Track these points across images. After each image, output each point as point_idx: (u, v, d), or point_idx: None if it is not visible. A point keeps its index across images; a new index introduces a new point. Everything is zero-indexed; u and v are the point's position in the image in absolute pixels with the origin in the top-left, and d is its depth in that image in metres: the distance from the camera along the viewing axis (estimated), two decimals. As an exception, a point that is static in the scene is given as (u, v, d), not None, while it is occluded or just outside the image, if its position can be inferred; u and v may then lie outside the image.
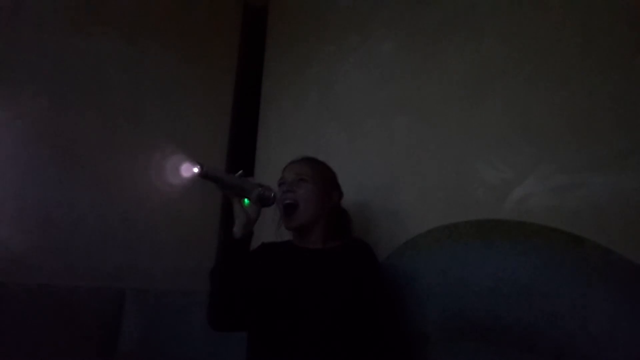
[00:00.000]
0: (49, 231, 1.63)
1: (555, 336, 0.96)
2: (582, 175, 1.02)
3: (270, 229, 1.30)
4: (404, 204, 1.39)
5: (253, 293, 1.08)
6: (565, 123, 1.07)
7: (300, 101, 1.94)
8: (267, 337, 1.10)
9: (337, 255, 1.18)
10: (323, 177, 1.24)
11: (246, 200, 1.12)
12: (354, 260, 1.16)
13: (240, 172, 1.13)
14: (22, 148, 1.63)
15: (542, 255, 1.03)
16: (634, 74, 0.99)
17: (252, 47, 2.33)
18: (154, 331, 1.66)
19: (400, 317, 1.25)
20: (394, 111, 1.50)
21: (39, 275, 1.57)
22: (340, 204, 1.30)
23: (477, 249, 1.15)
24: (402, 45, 1.53)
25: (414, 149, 1.41)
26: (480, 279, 1.12)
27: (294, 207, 1.18)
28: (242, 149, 2.18)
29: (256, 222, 1.12)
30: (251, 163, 2.12)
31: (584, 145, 1.03)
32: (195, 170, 1.03)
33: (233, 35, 2.29)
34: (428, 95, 1.40)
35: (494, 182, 1.18)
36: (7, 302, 1.45)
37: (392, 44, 1.57)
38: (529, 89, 1.16)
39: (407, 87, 1.48)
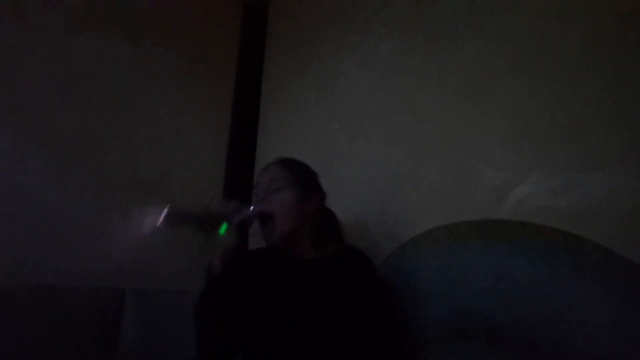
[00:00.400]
0: (49, 231, 1.63)
1: (555, 336, 0.96)
2: (581, 175, 1.02)
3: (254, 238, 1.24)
4: (404, 204, 1.39)
5: (242, 317, 1.01)
6: (565, 123, 1.07)
7: (300, 101, 1.94)
8: (263, 352, 1.05)
9: (332, 265, 1.13)
10: (300, 180, 1.15)
11: (222, 229, 1.01)
12: (350, 270, 1.13)
13: (210, 197, 1.05)
14: (22, 148, 1.63)
15: (542, 255, 1.03)
16: (634, 74, 0.99)
17: (252, 47, 2.33)
18: (154, 331, 1.66)
19: (400, 318, 1.25)
20: (394, 111, 1.50)
21: (39, 275, 1.57)
22: (324, 205, 1.23)
23: (477, 249, 1.15)
24: (402, 45, 1.53)
25: (414, 149, 1.41)
26: (480, 279, 1.12)
27: (269, 217, 1.09)
28: (242, 148, 2.18)
29: (236, 249, 1.03)
30: (251, 163, 2.12)
31: (583, 146, 1.03)
32: (158, 223, 0.95)
33: (233, 35, 2.29)
34: (428, 95, 1.40)
35: (494, 182, 1.18)
36: (7, 302, 1.45)
37: (392, 44, 1.57)
38: (529, 89, 1.16)
39: (407, 87, 1.47)
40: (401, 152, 1.44)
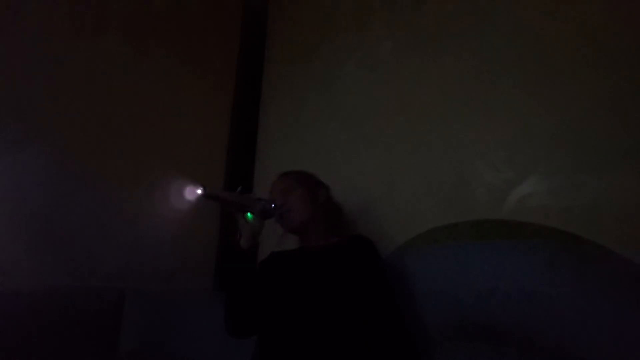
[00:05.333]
0: (49, 231, 1.63)
1: (555, 336, 0.96)
2: (581, 175, 1.02)
3: (273, 240, 1.34)
4: (404, 204, 1.39)
5: (264, 298, 1.15)
6: (565, 123, 1.07)
7: (300, 101, 1.94)
8: (274, 335, 1.12)
9: (339, 250, 1.23)
10: (303, 181, 1.33)
11: (249, 215, 1.18)
12: (356, 254, 1.20)
13: (239, 188, 1.21)
14: (22, 148, 1.63)
15: (542, 255, 1.03)
16: (634, 74, 0.99)
17: (252, 47, 2.33)
18: (154, 331, 1.66)
19: (401, 315, 1.25)
20: (394, 111, 1.50)
21: (39, 275, 1.57)
22: (331, 198, 1.37)
23: (477, 249, 1.15)
24: (402, 45, 1.53)
25: (414, 149, 1.41)
26: (480, 279, 1.12)
27: (287, 211, 1.25)
28: (242, 149, 2.18)
29: (260, 233, 1.19)
30: (251, 163, 2.12)
31: (583, 146, 1.03)
32: (199, 191, 1.11)
33: (233, 36, 2.29)
34: (428, 95, 1.40)
35: (494, 182, 1.18)
36: (8, 303, 1.45)
37: (392, 44, 1.57)
38: (529, 89, 1.16)
39: (407, 87, 1.48)
40: (401, 152, 1.44)
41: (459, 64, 1.33)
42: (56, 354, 1.48)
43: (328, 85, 1.80)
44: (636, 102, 0.97)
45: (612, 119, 1.00)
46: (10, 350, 1.42)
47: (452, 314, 1.16)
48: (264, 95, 2.20)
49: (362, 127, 1.61)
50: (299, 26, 2.07)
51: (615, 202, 0.96)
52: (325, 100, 1.81)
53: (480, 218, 1.17)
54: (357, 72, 1.69)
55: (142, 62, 1.95)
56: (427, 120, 1.39)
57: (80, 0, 1.83)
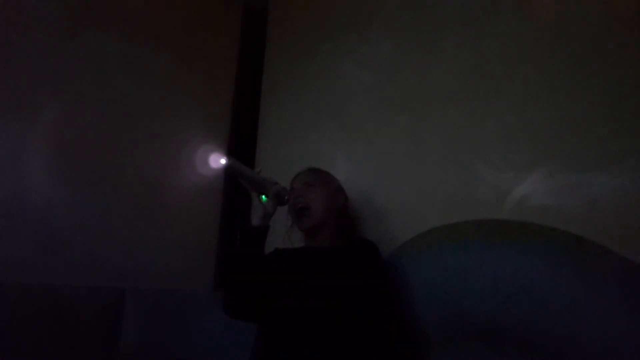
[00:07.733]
0: (49, 231, 1.63)
1: (555, 336, 0.96)
2: (582, 175, 1.02)
3: (281, 234, 1.34)
4: (404, 204, 1.39)
5: (266, 288, 1.14)
6: (565, 123, 1.07)
7: (300, 101, 1.94)
8: (273, 335, 1.12)
9: (342, 253, 1.23)
10: (328, 182, 1.34)
11: (263, 197, 1.21)
12: (358, 258, 1.21)
13: (259, 169, 1.24)
14: (22, 148, 1.63)
15: (542, 255, 1.03)
16: (634, 74, 0.99)
17: (252, 47, 2.33)
18: (154, 331, 1.66)
19: (401, 315, 1.25)
20: (394, 111, 1.50)
21: (39, 275, 1.57)
22: (346, 208, 1.37)
23: (477, 249, 1.15)
24: (402, 45, 1.53)
25: (414, 149, 1.41)
26: (480, 279, 1.12)
27: (306, 209, 1.26)
28: (242, 148, 2.18)
29: (272, 216, 1.20)
30: (251, 162, 2.12)
31: (584, 145, 1.03)
32: (223, 161, 1.14)
33: (233, 35, 2.29)
34: (428, 95, 1.40)
35: (494, 182, 1.18)
36: (7, 302, 1.45)
37: (392, 44, 1.57)
38: (529, 88, 1.16)
39: (407, 87, 1.48)
40: (401, 152, 1.45)
41: (459, 63, 1.33)
42: (56, 354, 1.48)
43: (328, 85, 1.80)
44: (636, 102, 0.97)
45: (613, 118, 1.00)
46: (11, 349, 1.42)
47: (452, 314, 1.16)
48: (264, 95, 2.20)
49: (362, 127, 1.61)
50: (299, 26, 2.07)
51: (615, 202, 0.96)
52: (325, 100, 1.81)
53: (481, 218, 1.17)
54: (357, 72, 1.69)
55: (142, 61, 1.95)
56: (427, 120, 1.39)
57: (80, 0, 1.83)
